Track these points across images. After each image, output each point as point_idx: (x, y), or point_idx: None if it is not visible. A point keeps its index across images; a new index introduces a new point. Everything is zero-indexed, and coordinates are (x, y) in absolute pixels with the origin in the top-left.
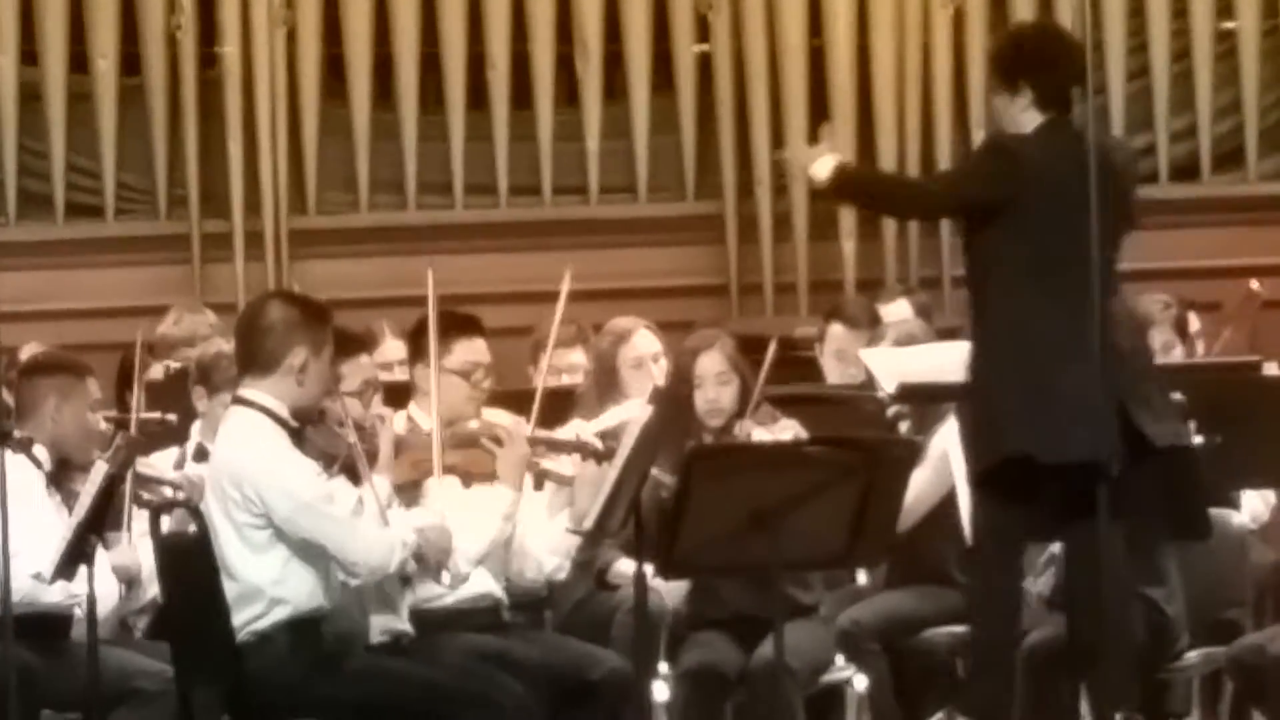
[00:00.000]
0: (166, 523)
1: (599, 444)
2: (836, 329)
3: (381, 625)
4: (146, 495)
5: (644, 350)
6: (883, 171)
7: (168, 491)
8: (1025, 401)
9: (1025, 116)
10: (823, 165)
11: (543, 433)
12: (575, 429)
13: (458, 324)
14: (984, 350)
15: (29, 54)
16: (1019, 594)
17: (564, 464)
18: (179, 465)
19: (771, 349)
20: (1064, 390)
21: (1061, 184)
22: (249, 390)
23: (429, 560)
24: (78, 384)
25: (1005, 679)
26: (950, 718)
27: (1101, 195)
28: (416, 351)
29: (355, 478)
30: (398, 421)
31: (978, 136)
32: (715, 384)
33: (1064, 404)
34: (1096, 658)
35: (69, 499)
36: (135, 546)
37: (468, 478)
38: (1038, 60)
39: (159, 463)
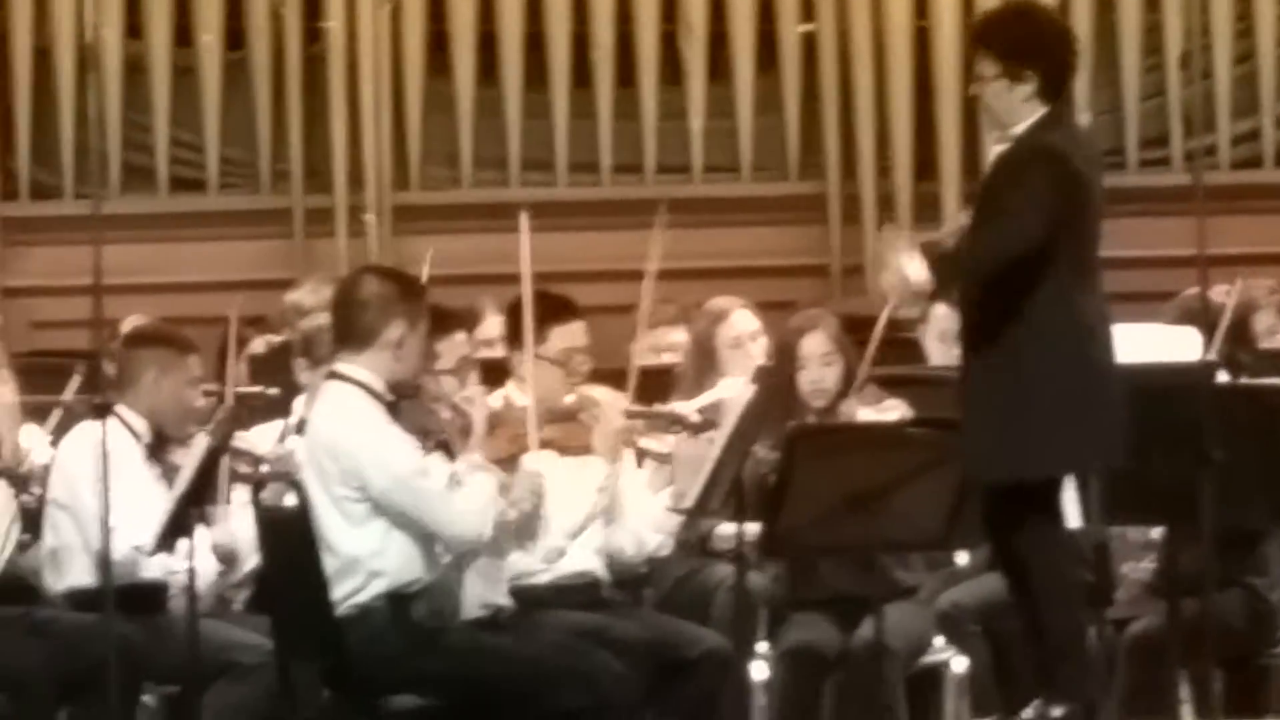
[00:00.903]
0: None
1: (695, 416)
2: (940, 310)
3: (480, 599)
4: (243, 469)
5: (742, 329)
6: (960, 242)
7: (261, 466)
8: (1089, 408)
9: (1026, 107)
10: (916, 269)
11: (637, 406)
12: (675, 408)
13: (554, 309)
14: (1025, 358)
15: (134, 27)
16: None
17: (664, 442)
18: (281, 439)
19: (880, 325)
20: (1110, 395)
21: (1088, 180)
22: (345, 365)
23: (522, 508)
24: (179, 359)
25: (1089, 660)
26: (1046, 704)
27: (1100, 188)
28: (514, 335)
29: (449, 454)
30: (495, 399)
31: (1082, 120)
32: (819, 364)
33: (1111, 410)
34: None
35: (167, 471)
36: (233, 526)
37: (564, 451)
38: (1043, 45)
39: (261, 436)
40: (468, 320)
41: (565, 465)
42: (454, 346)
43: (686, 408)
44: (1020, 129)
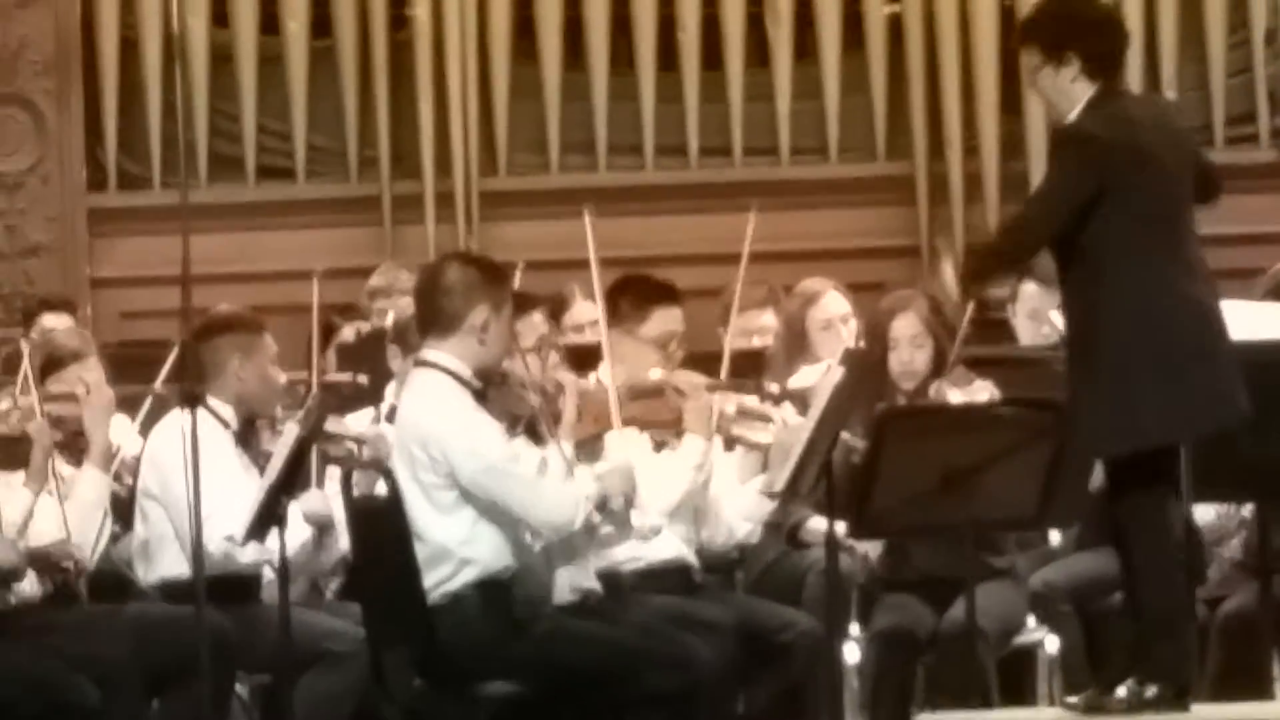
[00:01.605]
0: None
1: (774, 387)
2: (1029, 288)
3: (570, 583)
4: (334, 451)
5: (833, 312)
6: (988, 240)
7: (353, 446)
8: (1169, 381)
9: (1076, 87)
10: (949, 275)
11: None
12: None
13: (657, 292)
14: (1110, 331)
15: (220, 16)
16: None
17: (756, 430)
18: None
19: (969, 309)
20: (1210, 358)
21: (1134, 152)
22: (431, 352)
23: (613, 504)
24: (256, 339)
25: (1187, 642)
26: (1140, 684)
27: (1179, 157)
28: (614, 314)
29: (538, 439)
30: (587, 383)
31: (1169, 96)
32: (910, 346)
33: (1211, 372)
34: None
35: (257, 457)
36: (326, 494)
37: (646, 427)
38: (1081, 26)
39: (352, 424)
40: (540, 301)
41: (657, 445)
42: (531, 327)
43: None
44: (1074, 114)
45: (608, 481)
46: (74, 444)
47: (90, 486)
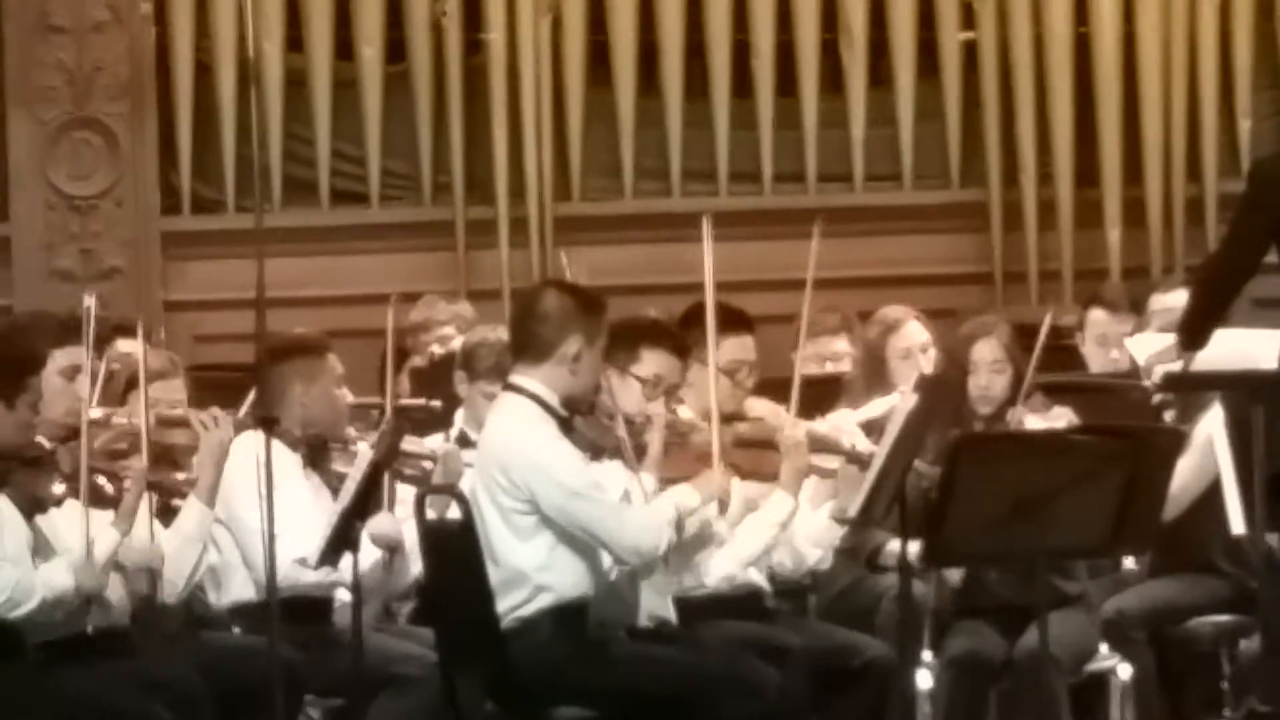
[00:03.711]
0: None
1: (868, 450)
2: (1097, 314)
3: (648, 609)
4: (407, 470)
5: (913, 340)
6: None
7: (426, 465)
8: None
9: None
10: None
11: (819, 431)
12: (840, 418)
13: (728, 320)
14: None
15: (295, 41)
16: None
17: (828, 457)
18: None
19: (1043, 332)
20: None
21: None
22: (521, 377)
23: (705, 512)
24: (319, 363)
25: None
26: (1255, 702)
27: None
28: (687, 346)
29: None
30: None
31: (1243, 127)
32: (989, 371)
33: None
34: None
35: (327, 479)
36: (396, 517)
37: (748, 477)
38: None
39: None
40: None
41: (747, 490)
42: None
43: (853, 418)
44: None
45: (702, 487)
46: (167, 458)
47: (192, 519)
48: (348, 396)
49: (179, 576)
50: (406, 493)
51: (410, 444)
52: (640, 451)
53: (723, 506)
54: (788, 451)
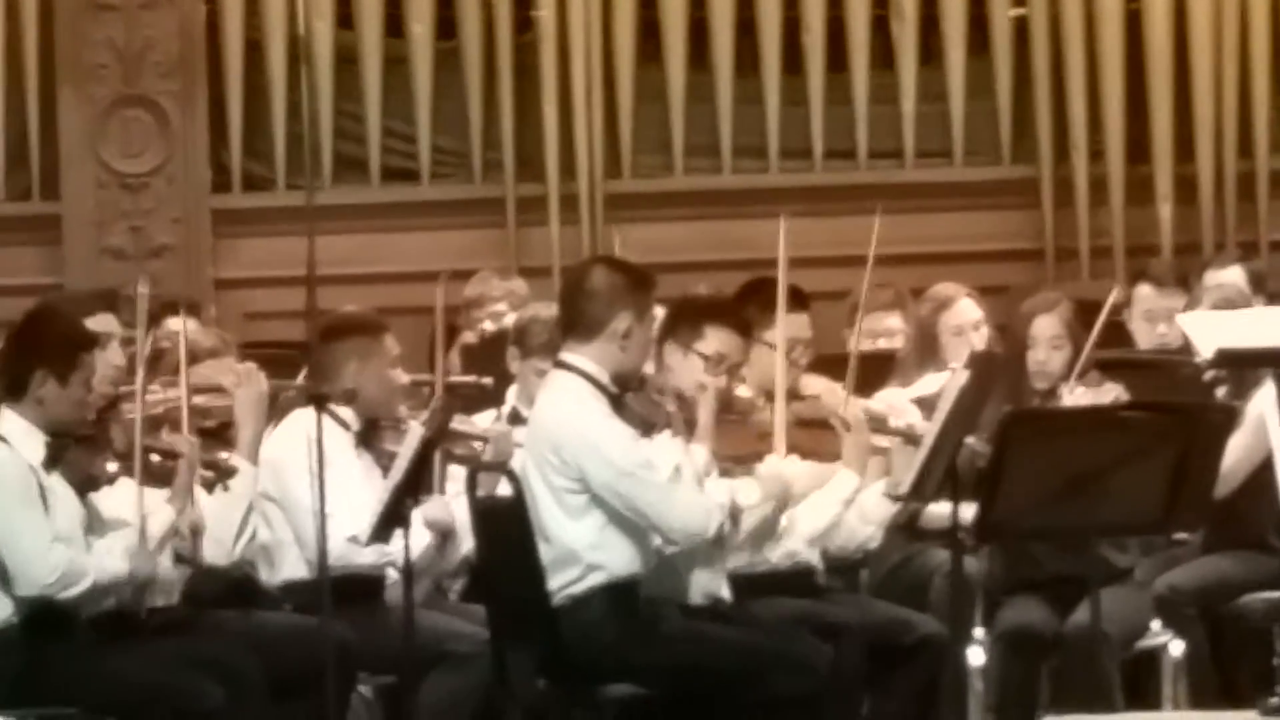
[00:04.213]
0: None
1: (921, 427)
2: (1144, 290)
3: (702, 587)
4: (458, 450)
5: (966, 318)
6: None
7: (477, 445)
8: None
9: None
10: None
11: (873, 408)
12: (891, 395)
13: (785, 297)
14: None
15: (345, 18)
16: None
17: (881, 434)
18: None
19: (1106, 309)
20: None
21: None
22: (571, 355)
23: (765, 509)
24: (374, 343)
25: None
26: None
27: None
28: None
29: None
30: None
31: None
32: (1047, 347)
33: None
34: None
35: (379, 458)
36: (449, 501)
37: (809, 456)
38: None
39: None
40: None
41: (809, 469)
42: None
43: (904, 395)
44: None
45: (765, 485)
46: (221, 434)
47: (237, 478)
48: (403, 378)
49: (226, 537)
50: (458, 473)
51: (462, 424)
52: (690, 426)
53: (783, 505)
54: (849, 429)
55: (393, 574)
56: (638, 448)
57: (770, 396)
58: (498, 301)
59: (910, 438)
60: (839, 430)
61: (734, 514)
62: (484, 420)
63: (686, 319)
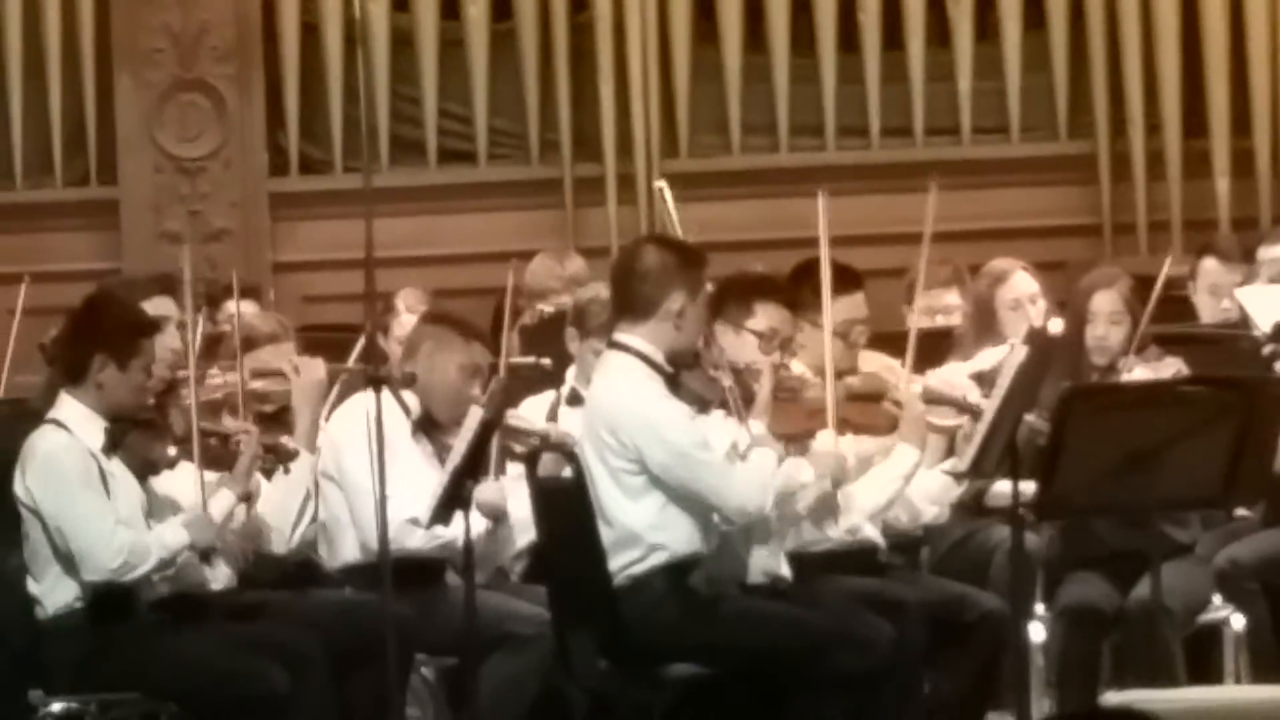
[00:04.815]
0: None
1: (980, 403)
2: (1209, 264)
3: (761, 566)
4: (517, 447)
5: (1022, 291)
6: None
7: (536, 443)
8: None
9: None
10: None
11: (933, 386)
12: (951, 371)
13: (839, 278)
14: None
15: (400, 1)
16: None
17: (944, 413)
18: (553, 409)
19: (1160, 283)
20: None
21: None
22: (625, 335)
23: (823, 485)
24: (457, 340)
25: None
26: None
27: None
28: (795, 301)
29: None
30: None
31: None
32: (1106, 322)
33: None
34: None
35: (437, 449)
36: (502, 485)
37: (860, 431)
38: None
39: (533, 407)
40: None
41: (865, 444)
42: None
43: (963, 370)
44: None
45: (819, 463)
46: (279, 419)
47: (295, 466)
48: (473, 390)
49: (285, 525)
50: (514, 465)
51: (519, 420)
52: (748, 401)
53: (837, 483)
54: (904, 403)
55: (452, 556)
56: (694, 427)
57: (823, 374)
58: (559, 294)
59: (968, 411)
60: (893, 407)
61: (787, 495)
62: (542, 401)
63: (734, 297)
